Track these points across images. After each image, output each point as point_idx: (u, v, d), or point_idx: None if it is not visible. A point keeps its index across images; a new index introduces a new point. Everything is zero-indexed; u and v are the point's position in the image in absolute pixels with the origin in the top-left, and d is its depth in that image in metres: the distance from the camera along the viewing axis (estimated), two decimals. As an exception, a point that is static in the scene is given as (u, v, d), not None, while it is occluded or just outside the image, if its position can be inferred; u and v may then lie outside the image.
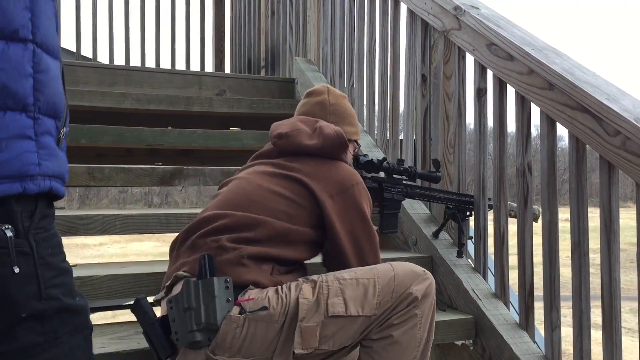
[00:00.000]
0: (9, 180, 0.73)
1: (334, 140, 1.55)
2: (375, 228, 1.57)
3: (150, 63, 3.72)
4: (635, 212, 1.55)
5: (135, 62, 3.69)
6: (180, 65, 3.87)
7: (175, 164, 2.55)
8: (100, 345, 1.57)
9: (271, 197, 1.47)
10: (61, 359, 0.78)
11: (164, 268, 1.64)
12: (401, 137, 2.53)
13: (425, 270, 1.43)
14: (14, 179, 0.74)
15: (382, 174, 1.99)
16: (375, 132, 2.69)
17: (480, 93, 2.08)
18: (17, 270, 0.74)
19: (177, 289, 1.38)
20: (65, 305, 0.80)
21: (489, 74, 2.02)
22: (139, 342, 1.60)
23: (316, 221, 1.49)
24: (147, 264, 2.02)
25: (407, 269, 1.41)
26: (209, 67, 3.98)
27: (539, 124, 1.83)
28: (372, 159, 1.89)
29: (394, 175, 1.99)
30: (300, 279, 1.41)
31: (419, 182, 2.25)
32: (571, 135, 1.69)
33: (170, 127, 2.68)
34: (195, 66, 3.95)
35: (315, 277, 1.40)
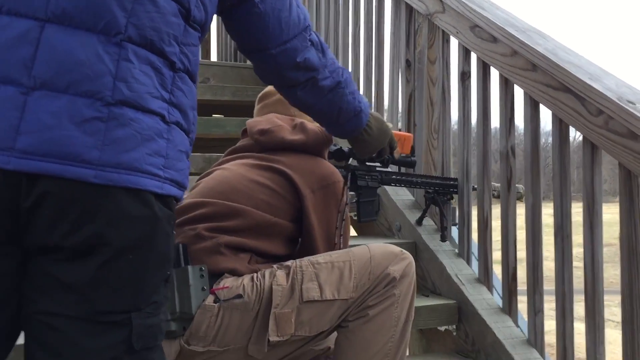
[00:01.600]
0: (178, 186, 0.88)
1: (319, 137, 1.54)
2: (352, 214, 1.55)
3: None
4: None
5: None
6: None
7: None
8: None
9: (253, 187, 1.44)
10: (163, 324, 0.89)
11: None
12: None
13: (403, 250, 1.40)
14: (180, 186, 0.89)
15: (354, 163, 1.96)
16: (360, 119, 2.66)
17: (464, 77, 2.06)
18: (174, 233, 0.91)
19: None
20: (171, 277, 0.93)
21: (473, 57, 2.00)
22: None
23: (296, 215, 1.47)
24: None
25: (384, 249, 1.39)
26: (194, 56, 3.90)
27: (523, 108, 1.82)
28: (341, 147, 1.85)
29: (367, 163, 1.97)
30: (275, 266, 1.38)
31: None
32: (554, 117, 1.67)
33: None
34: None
35: (289, 262, 1.37)
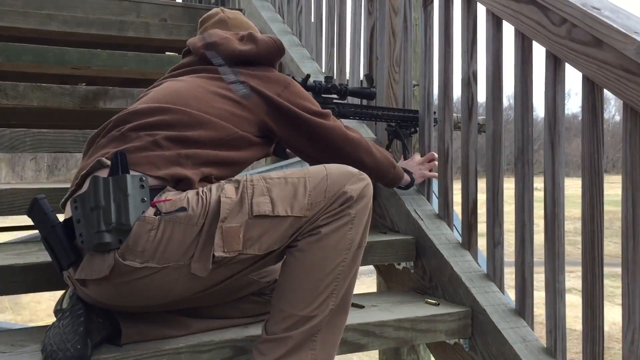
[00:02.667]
0: None
1: (270, 46, 1.48)
2: None
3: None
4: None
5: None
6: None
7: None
8: (-8, 260, 1.41)
9: (214, 97, 1.36)
10: None
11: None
12: (348, 59, 2.38)
13: (361, 171, 1.29)
14: None
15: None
16: (323, 58, 2.54)
17: (427, 2, 1.93)
18: None
19: (85, 188, 1.22)
20: None
21: (435, -22, 1.87)
22: (38, 257, 1.45)
23: (258, 128, 1.41)
24: (60, 183, 1.84)
25: (341, 168, 1.28)
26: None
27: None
28: (293, 77, 1.74)
29: (323, 95, 1.87)
30: (222, 181, 1.27)
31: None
32: (517, 33, 1.55)
33: (85, 84, 2.45)
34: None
35: (239, 177, 1.26)
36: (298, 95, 1.46)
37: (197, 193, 1.21)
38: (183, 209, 1.18)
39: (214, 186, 1.23)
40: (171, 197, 1.20)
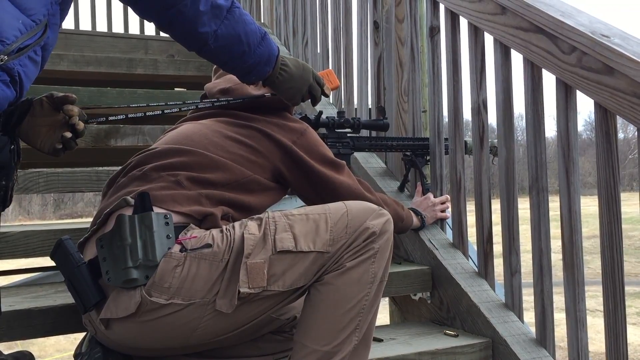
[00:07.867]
0: None
1: None
2: None
3: (101, 27, 3.48)
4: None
5: (85, 25, 3.46)
6: (134, 30, 3.62)
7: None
8: (9, 304, 1.40)
9: (230, 143, 1.38)
10: None
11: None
12: (355, 90, 2.40)
13: (381, 207, 1.29)
14: None
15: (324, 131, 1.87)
16: (330, 89, 2.55)
17: (433, 32, 1.95)
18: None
19: (109, 226, 1.23)
20: None
21: (442, 8, 1.89)
22: (55, 300, 1.44)
23: (272, 174, 1.42)
24: (76, 223, 1.85)
25: (361, 204, 1.28)
26: (167, 33, 3.73)
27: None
28: (305, 115, 1.75)
29: (337, 130, 1.88)
30: (245, 219, 1.27)
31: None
32: (526, 61, 1.56)
33: (96, 123, 2.46)
34: (150, 31, 3.70)
35: (261, 215, 1.27)
36: (313, 143, 1.46)
37: (222, 230, 1.23)
38: (208, 246, 1.19)
39: (236, 224, 1.24)
40: (196, 234, 1.21)
